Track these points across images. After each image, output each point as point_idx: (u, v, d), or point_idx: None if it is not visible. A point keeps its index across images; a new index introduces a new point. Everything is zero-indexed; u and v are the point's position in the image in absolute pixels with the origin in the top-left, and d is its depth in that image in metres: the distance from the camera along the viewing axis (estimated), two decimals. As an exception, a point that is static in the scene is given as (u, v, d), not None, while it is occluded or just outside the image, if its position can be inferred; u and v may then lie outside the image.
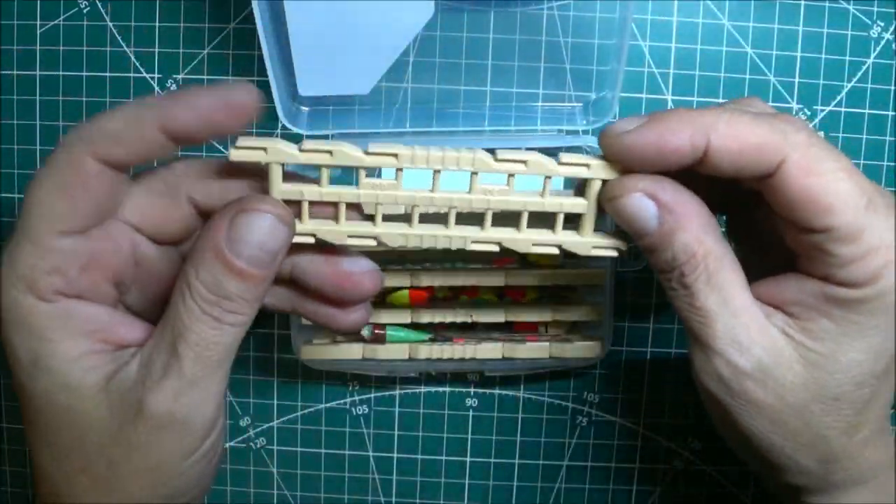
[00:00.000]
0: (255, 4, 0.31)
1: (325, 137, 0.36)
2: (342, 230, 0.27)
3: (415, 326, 0.36)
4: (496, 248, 0.27)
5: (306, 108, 0.36)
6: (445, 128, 0.37)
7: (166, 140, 0.24)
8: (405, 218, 0.28)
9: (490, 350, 0.35)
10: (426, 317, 0.35)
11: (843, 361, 0.24)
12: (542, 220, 0.27)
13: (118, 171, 0.24)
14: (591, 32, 0.37)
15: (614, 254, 0.27)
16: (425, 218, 0.27)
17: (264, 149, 0.25)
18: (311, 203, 0.26)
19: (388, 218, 0.27)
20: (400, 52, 0.34)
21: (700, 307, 0.25)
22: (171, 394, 0.24)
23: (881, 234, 0.23)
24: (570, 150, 0.34)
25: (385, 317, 0.35)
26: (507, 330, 0.38)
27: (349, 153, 0.25)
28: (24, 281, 0.24)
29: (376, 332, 0.36)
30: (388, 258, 0.37)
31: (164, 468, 0.25)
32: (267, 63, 0.32)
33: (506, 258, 0.37)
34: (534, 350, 0.35)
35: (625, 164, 0.25)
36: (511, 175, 0.26)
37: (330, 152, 0.25)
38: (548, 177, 0.26)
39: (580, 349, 0.35)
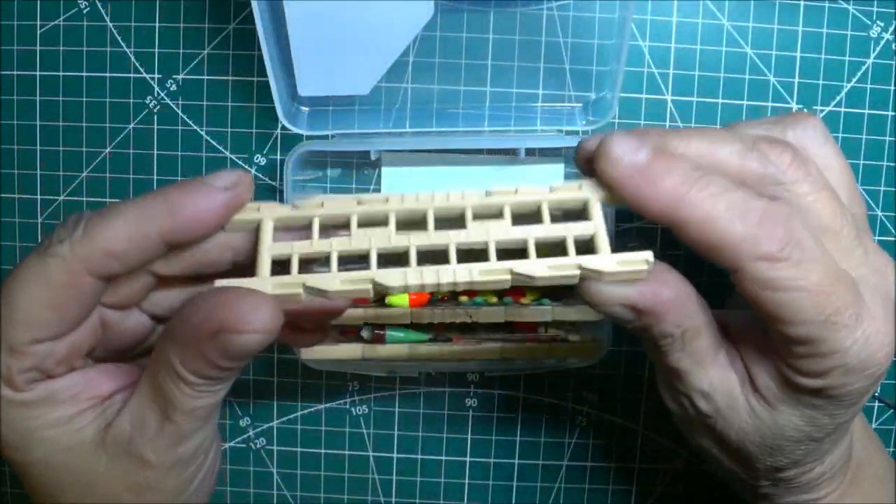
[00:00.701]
0: (254, 5, 0.31)
1: (325, 137, 0.36)
2: (334, 278, 0.24)
3: (414, 327, 0.36)
4: (508, 277, 0.24)
5: (306, 109, 0.36)
6: (445, 128, 0.37)
7: (165, 249, 0.24)
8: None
9: (489, 350, 0.35)
10: (426, 317, 0.35)
11: (781, 423, 0.25)
12: (552, 248, 0.25)
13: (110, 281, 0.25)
14: (591, 32, 0.37)
15: (644, 267, 0.23)
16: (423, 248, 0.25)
17: (257, 209, 0.25)
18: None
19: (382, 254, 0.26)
20: (400, 53, 0.34)
21: (673, 367, 0.26)
22: (171, 444, 0.24)
23: (838, 344, 0.23)
24: (569, 150, 0.34)
25: (385, 317, 0.35)
26: (507, 330, 0.38)
27: (341, 202, 0.25)
28: (3, 378, 0.24)
29: (376, 332, 0.36)
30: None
31: (176, 496, 0.26)
32: (267, 63, 0.32)
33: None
34: (533, 350, 0.35)
35: (605, 182, 0.24)
36: (507, 208, 0.25)
37: (321, 204, 0.25)
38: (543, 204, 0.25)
39: (579, 349, 0.35)
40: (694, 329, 0.25)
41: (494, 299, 0.36)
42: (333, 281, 0.24)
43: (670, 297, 0.24)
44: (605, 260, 0.24)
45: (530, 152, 0.36)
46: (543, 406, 0.40)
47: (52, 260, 0.23)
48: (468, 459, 0.40)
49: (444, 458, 0.40)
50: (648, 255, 0.24)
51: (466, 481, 0.41)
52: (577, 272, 0.24)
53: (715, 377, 0.26)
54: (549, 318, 0.35)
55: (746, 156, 0.24)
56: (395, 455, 0.40)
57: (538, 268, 0.24)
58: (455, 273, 0.24)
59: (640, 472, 0.40)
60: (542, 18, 0.36)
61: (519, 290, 0.36)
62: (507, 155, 0.36)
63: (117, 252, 0.23)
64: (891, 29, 0.37)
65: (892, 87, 0.37)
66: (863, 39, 0.37)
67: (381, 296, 0.36)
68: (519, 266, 0.24)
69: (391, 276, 0.24)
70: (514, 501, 0.41)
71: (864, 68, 0.37)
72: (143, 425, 0.24)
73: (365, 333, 0.36)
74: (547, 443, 0.40)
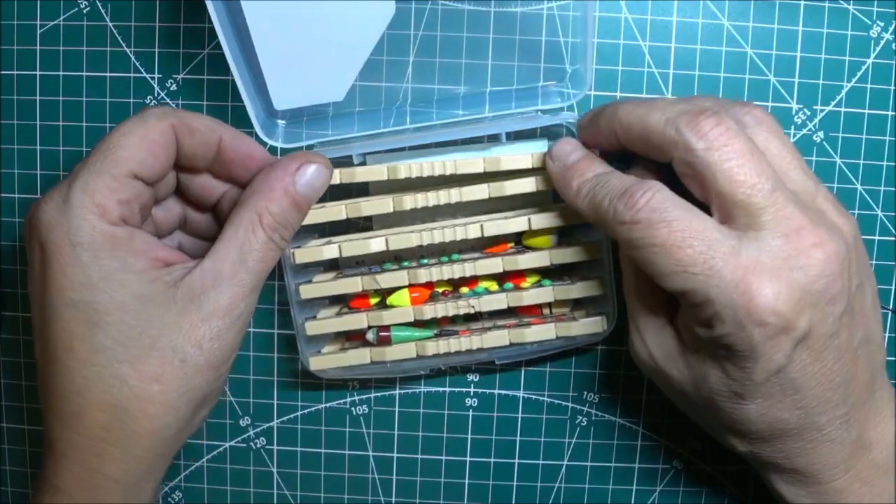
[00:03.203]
0: (218, 28, 0.31)
1: (310, 147, 0.35)
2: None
3: (419, 324, 0.36)
4: (481, 162, 0.34)
5: (282, 122, 0.36)
6: (423, 122, 0.36)
7: (213, 154, 0.32)
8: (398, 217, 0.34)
9: (497, 338, 0.35)
10: (429, 313, 0.35)
11: (705, 373, 0.29)
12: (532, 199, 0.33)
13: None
14: (564, 30, 0.36)
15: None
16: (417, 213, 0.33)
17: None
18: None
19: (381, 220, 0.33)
20: (368, 55, 0.34)
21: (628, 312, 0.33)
22: (238, 296, 0.30)
23: (704, 293, 0.27)
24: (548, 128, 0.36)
25: (387, 318, 0.35)
26: (512, 316, 0.37)
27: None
28: (99, 208, 0.28)
29: (381, 334, 0.35)
30: (383, 259, 0.37)
31: (228, 355, 0.30)
32: (239, 83, 0.32)
33: (502, 244, 0.37)
34: (540, 332, 0.35)
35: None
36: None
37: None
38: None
39: (586, 325, 0.35)
40: (625, 266, 0.32)
41: (495, 287, 0.36)
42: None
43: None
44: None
45: (510, 136, 0.35)
46: (543, 406, 0.40)
47: (150, 115, 0.30)
48: (468, 459, 0.40)
49: (443, 458, 0.40)
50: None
51: (466, 481, 0.41)
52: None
53: (650, 324, 0.31)
54: (552, 299, 0.35)
55: (666, 125, 0.28)
56: (395, 455, 0.40)
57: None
58: (443, 164, 0.34)
59: (640, 472, 0.40)
60: (491, 15, 0.36)
61: (518, 274, 0.36)
62: (489, 141, 0.36)
63: (195, 128, 0.31)
64: (891, 29, 0.37)
65: (892, 87, 0.37)
66: (863, 39, 0.37)
67: (382, 295, 0.36)
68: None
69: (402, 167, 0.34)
70: (514, 501, 0.41)
71: (864, 68, 0.37)
72: (217, 278, 0.29)
73: (370, 336, 0.36)
74: (547, 443, 0.40)
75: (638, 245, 0.28)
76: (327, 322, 0.35)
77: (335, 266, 0.38)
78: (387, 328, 0.35)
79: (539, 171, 0.34)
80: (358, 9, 0.32)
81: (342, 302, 0.38)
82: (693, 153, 0.27)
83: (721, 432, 0.31)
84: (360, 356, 0.36)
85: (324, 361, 0.36)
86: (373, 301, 0.37)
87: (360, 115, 0.37)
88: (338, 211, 0.34)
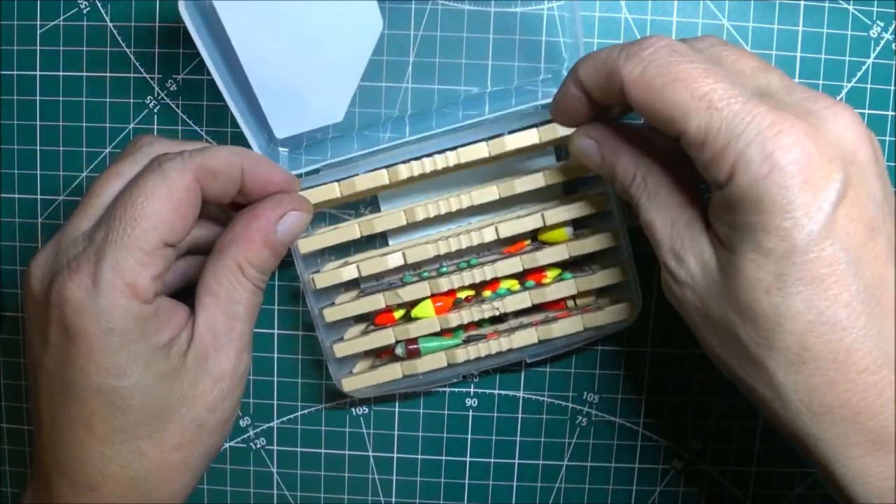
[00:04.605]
0: (209, 65, 0.31)
1: (316, 171, 0.35)
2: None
3: (446, 333, 0.36)
4: (486, 152, 0.33)
5: (285, 150, 0.36)
6: (423, 132, 0.35)
7: (236, 189, 0.31)
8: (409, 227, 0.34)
9: (525, 337, 0.35)
10: (454, 320, 0.35)
11: (742, 266, 0.25)
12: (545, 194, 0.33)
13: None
14: (563, 30, 0.37)
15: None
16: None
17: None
18: None
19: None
20: (362, 72, 0.34)
21: (645, 220, 0.28)
22: (239, 350, 0.30)
23: (726, 132, 0.24)
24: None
25: (414, 330, 0.35)
26: (538, 312, 0.37)
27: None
28: (131, 288, 0.27)
29: (409, 347, 0.35)
30: (402, 271, 0.37)
31: (234, 410, 0.31)
32: (237, 117, 0.32)
33: (518, 243, 0.36)
34: (568, 325, 0.35)
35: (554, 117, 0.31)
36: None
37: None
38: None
39: (613, 313, 0.35)
40: (655, 175, 0.28)
41: (517, 286, 0.36)
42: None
43: (621, 136, 0.29)
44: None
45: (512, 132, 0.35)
46: (543, 406, 0.40)
47: (170, 168, 0.28)
48: (468, 459, 0.40)
49: (444, 458, 0.40)
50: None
51: (466, 481, 0.41)
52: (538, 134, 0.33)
53: (685, 237, 0.27)
54: (575, 291, 0.35)
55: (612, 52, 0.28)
56: (395, 455, 0.40)
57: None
58: (443, 159, 0.33)
59: (640, 472, 0.40)
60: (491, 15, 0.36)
61: (539, 270, 0.36)
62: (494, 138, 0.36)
63: (217, 169, 0.29)
64: (891, 29, 0.37)
65: (892, 87, 0.37)
66: (863, 39, 0.37)
67: (406, 308, 0.36)
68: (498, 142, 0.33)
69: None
70: (514, 501, 0.41)
71: (864, 68, 0.37)
72: (215, 336, 0.29)
73: (399, 350, 0.35)
74: (547, 443, 0.40)
75: (654, 83, 0.25)
76: (355, 342, 0.35)
77: (355, 283, 0.38)
78: (415, 341, 0.35)
79: (547, 154, 0.34)
80: (346, 30, 0.32)
81: (367, 319, 0.38)
82: (619, 67, 0.27)
83: (768, 380, 0.25)
84: (391, 372, 0.35)
85: (356, 382, 0.36)
86: (397, 315, 0.36)
87: (363, 131, 0.37)
88: (351, 230, 0.34)
